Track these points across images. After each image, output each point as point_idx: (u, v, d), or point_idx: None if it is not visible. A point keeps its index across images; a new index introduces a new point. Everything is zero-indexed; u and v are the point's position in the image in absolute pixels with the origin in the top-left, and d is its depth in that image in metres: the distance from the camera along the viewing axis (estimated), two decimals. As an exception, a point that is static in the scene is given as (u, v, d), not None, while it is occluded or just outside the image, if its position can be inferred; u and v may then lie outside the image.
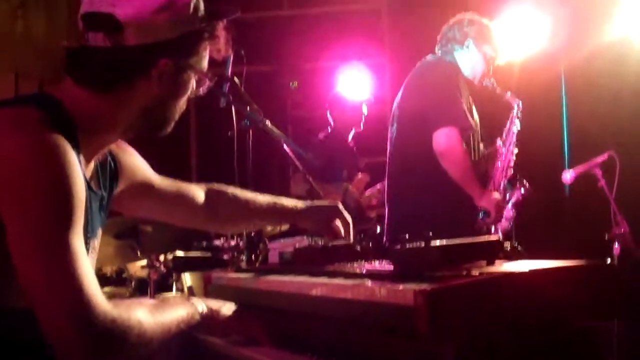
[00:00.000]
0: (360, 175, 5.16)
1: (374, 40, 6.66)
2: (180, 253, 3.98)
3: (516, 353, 1.40)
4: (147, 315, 1.49)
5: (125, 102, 1.62)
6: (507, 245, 1.68)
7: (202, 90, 1.76)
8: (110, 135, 1.69)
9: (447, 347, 1.32)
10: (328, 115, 5.33)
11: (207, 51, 1.70)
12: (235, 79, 3.38)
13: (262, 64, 6.40)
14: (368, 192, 5.06)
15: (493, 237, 1.74)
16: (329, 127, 5.31)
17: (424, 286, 1.35)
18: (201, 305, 1.73)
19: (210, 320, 1.75)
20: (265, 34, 6.60)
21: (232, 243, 3.68)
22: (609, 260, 1.59)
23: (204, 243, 3.99)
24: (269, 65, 6.61)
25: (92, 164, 1.70)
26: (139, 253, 3.65)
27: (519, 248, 1.70)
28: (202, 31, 1.66)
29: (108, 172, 1.80)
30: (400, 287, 1.41)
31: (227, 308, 1.81)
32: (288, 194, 4.79)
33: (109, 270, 4.29)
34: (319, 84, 6.21)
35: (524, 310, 1.43)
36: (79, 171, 1.47)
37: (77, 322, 1.35)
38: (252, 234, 3.45)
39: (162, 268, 3.78)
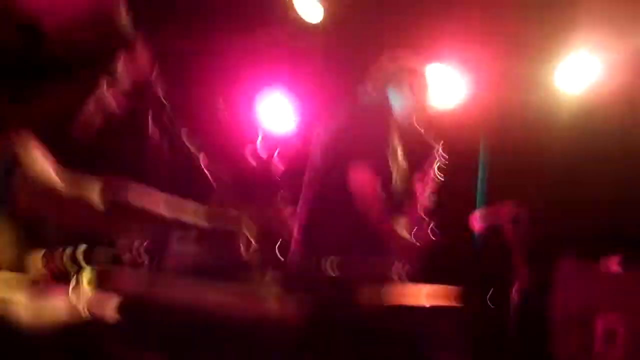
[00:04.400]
0: (279, 197, 5.18)
1: (305, 67, 6.68)
2: (82, 248, 3.88)
3: None
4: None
5: (36, 101, 1.60)
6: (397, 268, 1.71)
7: (117, 106, 1.75)
8: (16, 131, 1.67)
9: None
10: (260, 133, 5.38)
11: (124, 64, 1.71)
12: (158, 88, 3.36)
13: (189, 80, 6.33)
14: (286, 215, 5.07)
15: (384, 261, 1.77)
16: (254, 146, 5.34)
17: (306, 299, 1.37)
18: (84, 300, 1.71)
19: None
20: (197, 52, 6.55)
21: (136, 243, 3.62)
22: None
23: (109, 240, 3.90)
24: (197, 81, 6.54)
25: None
26: (38, 244, 3.54)
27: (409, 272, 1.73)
28: (121, 43, 1.67)
29: (7, 167, 1.77)
30: (282, 295, 1.43)
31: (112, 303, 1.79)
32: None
33: (5, 260, 4.14)
34: (245, 105, 6.20)
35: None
36: None
37: None
38: (158, 236, 3.40)
39: (59, 261, 3.67)
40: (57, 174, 2.01)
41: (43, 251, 3.67)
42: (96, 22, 1.60)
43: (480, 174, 5.56)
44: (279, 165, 5.39)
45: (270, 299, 1.49)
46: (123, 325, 1.82)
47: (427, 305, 1.55)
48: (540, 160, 5.30)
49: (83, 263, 3.82)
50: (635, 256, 4.52)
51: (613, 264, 4.39)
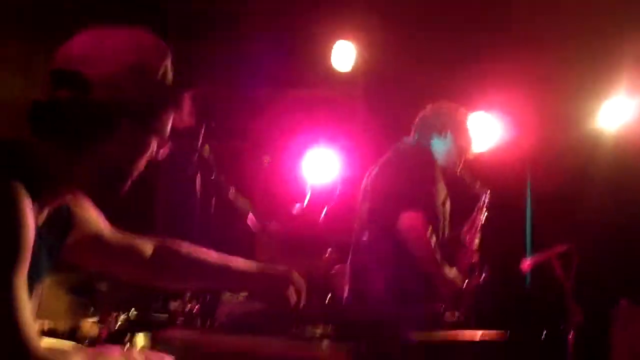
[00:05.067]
0: (328, 252, 5.18)
1: (349, 123, 6.77)
2: (134, 313, 3.92)
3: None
4: None
5: (85, 158, 1.64)
6: (449, 315, 1.72)
7: (160, 156, 1.79)
8: (67, 187, 1.71)
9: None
10: (307, 190, 5.42)
11: (171, 119, 1.75)
12: (206, 148, 3.44)
13: (235, 138, 6.45)
14: (335, 270, 5.07)
15: (435, 307, 1.77)
16: (301, 203, 5.37)
17: (355, 345, 1.38)
18: (140, 358, 1.72)
19: None
20: (241, 110, 6.68)
21: (189, 306, 3.66)
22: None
23: (160, 305, 3.95)
24: (243, 140, 6.66)
25: (45, 212, 1.72)
26: (91, 311, 3.60)
27: (460, 318, 1.73)
28: (167, 98, 1.71)
29: (61, 222, 1.81)
30: (333, 346, 1.44)
31: None
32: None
33: (61, 326, 4.20)
34: (291, 163, 6.28)
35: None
36: (29, 216, 1.48)
37: None
38: (208, 299, 3.44)
39: (114, 326, 3.72)
40: (111, 232, 2.05)
41: (98, 315, 3.75)
42: (141, 75, 1.64)
43: (527, 217, 5.53)
44: (327, 219, 5.41)
45: (321, 352, 1.50)
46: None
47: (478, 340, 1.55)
48: (587, 200, 5.27)
49: (137, 326, 3.89)
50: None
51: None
